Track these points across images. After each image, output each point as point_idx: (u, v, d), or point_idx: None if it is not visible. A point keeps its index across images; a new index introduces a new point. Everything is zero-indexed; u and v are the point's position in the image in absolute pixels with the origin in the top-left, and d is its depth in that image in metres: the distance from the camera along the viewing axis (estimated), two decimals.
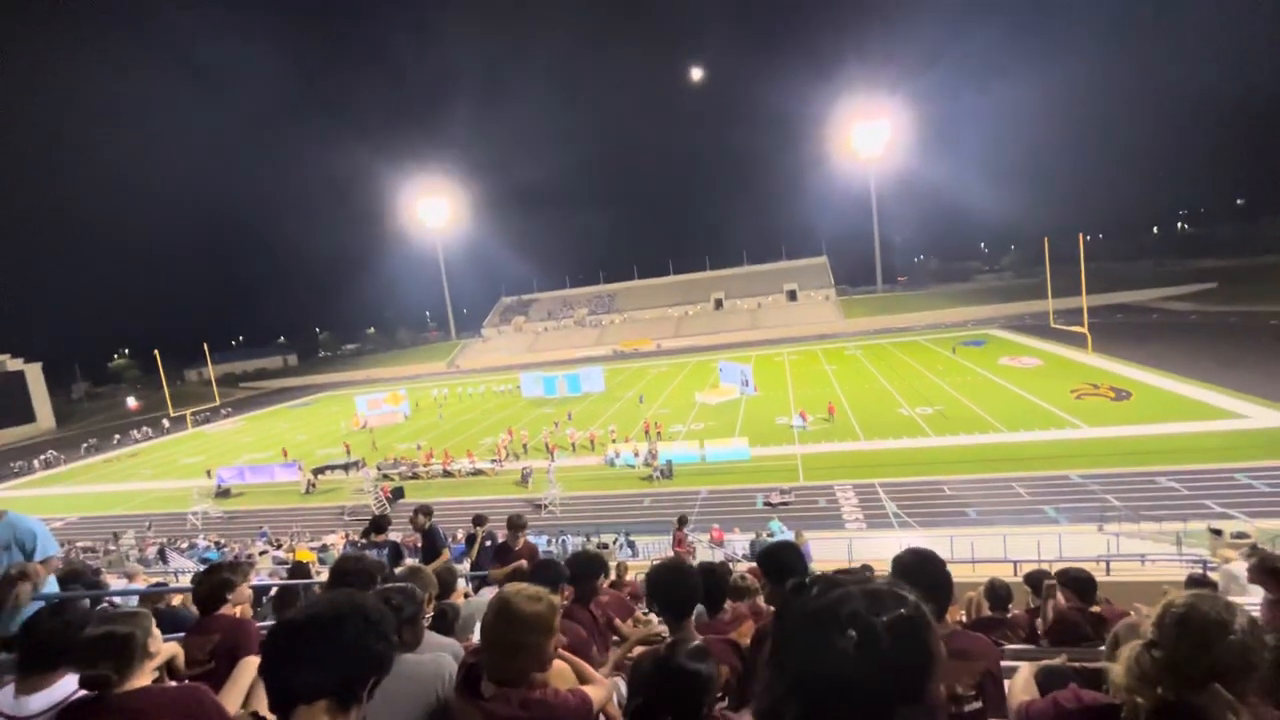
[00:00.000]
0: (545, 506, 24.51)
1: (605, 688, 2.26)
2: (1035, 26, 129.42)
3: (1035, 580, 5.22)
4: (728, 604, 3.21)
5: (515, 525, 6.20)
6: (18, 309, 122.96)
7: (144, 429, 59.94)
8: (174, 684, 2.36)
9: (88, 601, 4.34)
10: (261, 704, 2.46)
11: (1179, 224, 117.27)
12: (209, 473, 34.62)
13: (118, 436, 57.89)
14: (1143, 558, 13.01)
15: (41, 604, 3.05)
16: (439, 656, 2.25)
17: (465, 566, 7.78)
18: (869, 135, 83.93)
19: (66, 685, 2.23)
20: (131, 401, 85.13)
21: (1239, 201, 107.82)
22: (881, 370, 44.53)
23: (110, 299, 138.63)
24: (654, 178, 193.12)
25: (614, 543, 19.05)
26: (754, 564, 4.75)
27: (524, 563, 5.65)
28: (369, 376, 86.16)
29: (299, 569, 7.35)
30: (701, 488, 24.88)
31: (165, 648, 2.47)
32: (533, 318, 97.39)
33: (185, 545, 23.20)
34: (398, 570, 5.82)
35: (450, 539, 12.03)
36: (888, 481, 22.85)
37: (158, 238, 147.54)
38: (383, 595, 2.46)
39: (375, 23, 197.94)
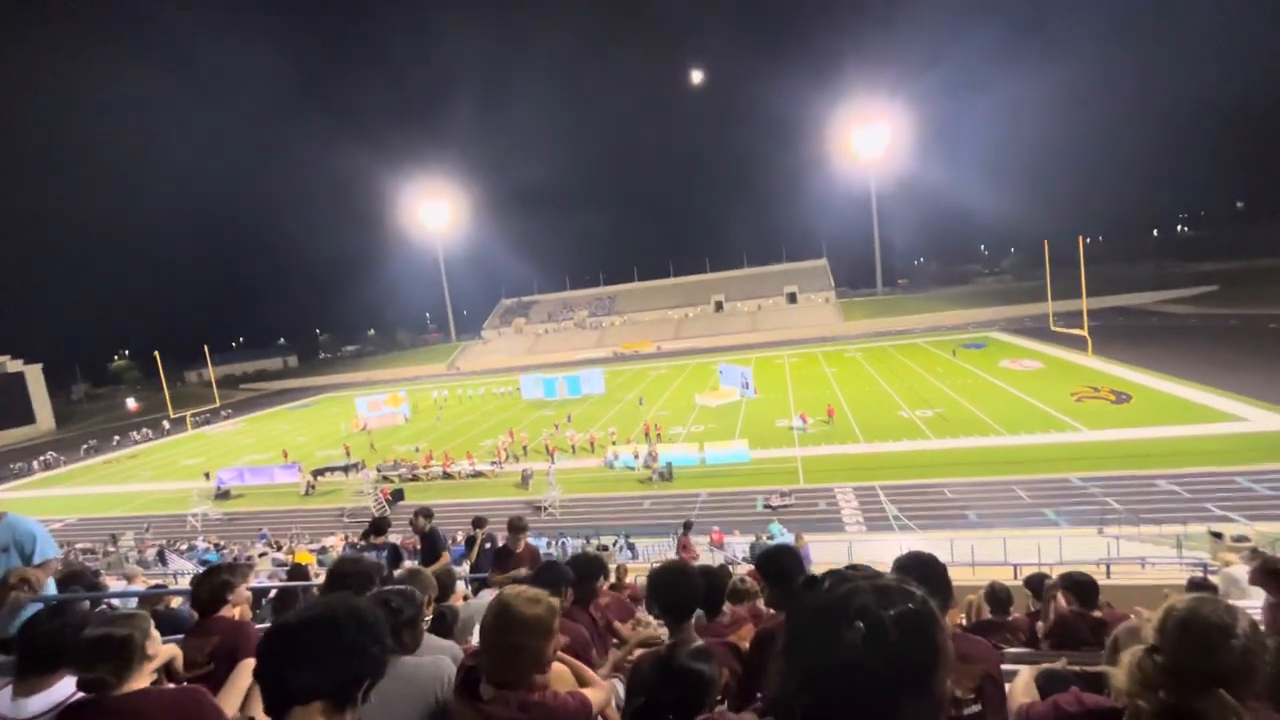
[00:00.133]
0: (545, 509, 24.49)
1: (605, 690, 2.26)
2: (1035, 29, 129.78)
3: (1036, 583, 5.21)
4: (727, 607, 3.21)
5: (516, 528, 6.17)
6: (18, 310, 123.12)
7: (144, 430, 59.92)
8: (172, 686, 2.36)
9: (87, 603, 4.33)
10: (260, 707, 2.46)
11: (1179, 227, 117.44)
12: (207, 475, 34.60)
13: (117, 438, 57.87)
14: (1143, 561, 13.00)
15: (40, 606, 3.04)
16: (438, 659, 2.24)
17: (465, 569, 7.76)
18: (869, 138, 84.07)
19: (65, 687, 2.22)
20: (131, 403, 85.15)
21: (1239, 204, 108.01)
22: (882, 373, 44.53)
23: (111, 300, 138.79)
24: (654, 180, 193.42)
25: (614, 545, 19.02)
26: (754, 567, 4.74)
27: (523, 570, 5.64)
28: (369, 378, 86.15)
29: (298, 571, 7.34)
30: (701, 490, 24.86)
31: (164, 650, 2.46)
32: (533, 320, 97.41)
33: (185, 547, 23.18)
34: (397, 573, 5.82)
35: (450, 541, 12.02)
36: (888, 484, 22.83)
37: (158, 239, 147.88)
38: (382, 598, 2.45)
39: (376, 24, 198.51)
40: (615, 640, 3.63)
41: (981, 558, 13.96)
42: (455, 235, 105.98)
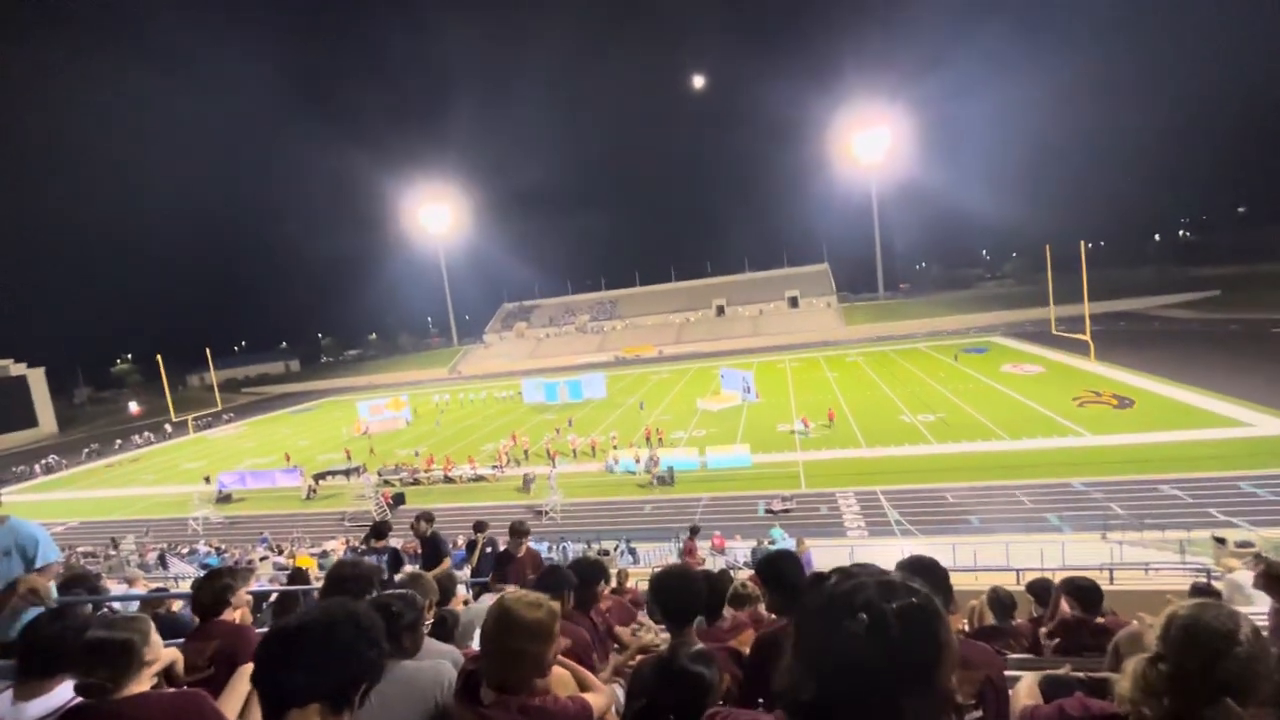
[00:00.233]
0: (546, 513, 24.46)
1: (606, 694, 2.25)
2: (1036, 34, 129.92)
3: (1039, 589, 5.19)
4: (728, 612, 3.20)
5: (517, 532, 6.17)
6: (21, 313, 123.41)
7: (145, 434, 59.99)
8: (172, 690, 2.36)
9: (89, 607, 4.33)
10: (259, 713, 2.45)
11: (1181, 231, 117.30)
12: (207, 479, 34.60)
13: (119, 441, 57.95)
14: (1146, 566, 12.94)
15: (41, 609, 3.04)
16: (438, 664, 2.24)
17: (466, 573, 7.75)
18: (870, 142, 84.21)
19: (65, 691, 2.22)
20: (134, 406, 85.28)
21: (1240, 209, 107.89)
22: (883, 377, 44.49)
23: (113, 304, 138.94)
24: (656, 184, 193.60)
25: (615, 549, 18.98)
26: (754, 572, 4.73)
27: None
28: (371, 382, 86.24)
29: (298, 575, 7.33)
30: (703, 494, 24.82)
31: (165, 654, 2.46)
32: (535, 324, 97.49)
33: (186, 551, 23.17)
34: (398, 577, 5.81)
35: (451, 545, 12.00)
36: (890, 489, 22.79)
37: (160, 242, 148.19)
38: (382, 602, 2.45)
39: (378, 28, 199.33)
40: (616, 645, 3.62)
41: (984, 563, 13.92)
42: (457, 239, 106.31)
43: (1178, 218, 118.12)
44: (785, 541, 16.79)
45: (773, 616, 3.23)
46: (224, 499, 32.43)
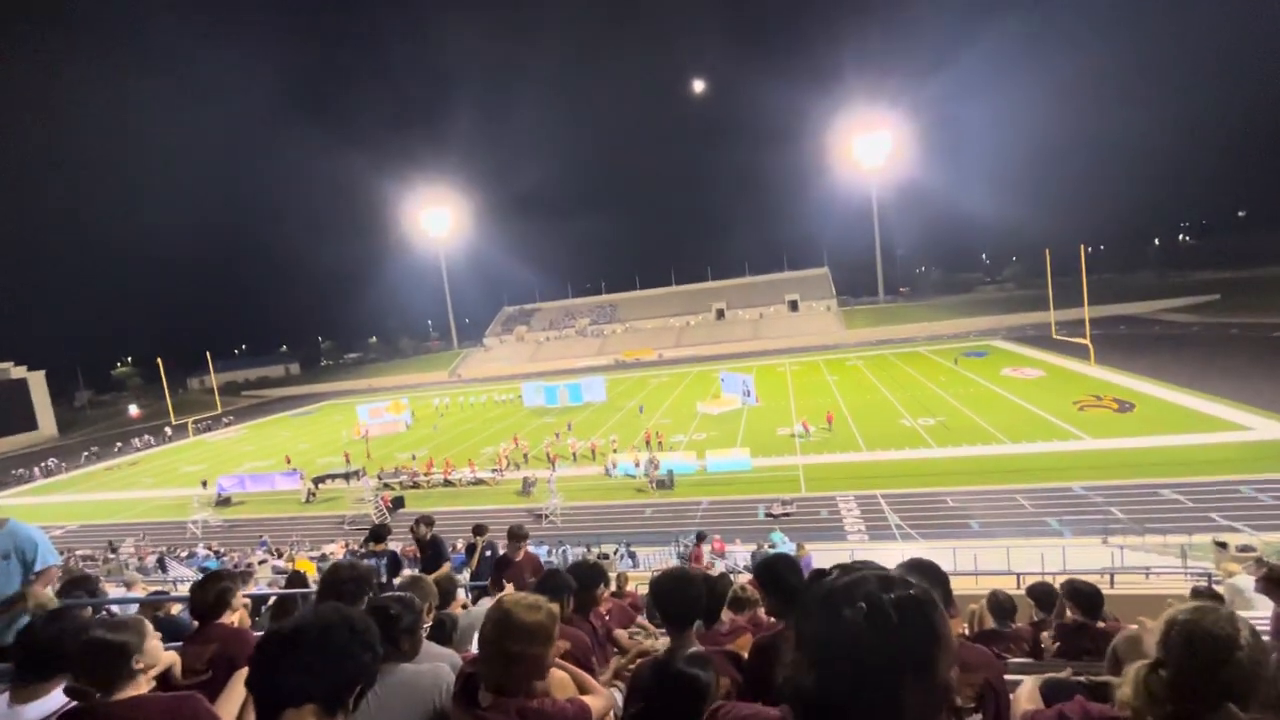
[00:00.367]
0: (546, 516, 24.43)
1: (604, 697, 2.25)
2: (1036, 38, 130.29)
3: (1039, 593, 5.18)
4: (726, 615, 3.19)
5: (516, 536, 6.17)
6: (21, 317, 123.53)
7: (145, 437, 59.96)
8: (168, 693, 2.35)
9: (90, 610, 4.32)
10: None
11: (1181, 235, 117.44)
12: (204, 484, 34.52)
13: (119, 444, 57.90)
14: (1147, 571, 12.91)
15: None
16: (437, 667, 2.23)
17: (465, 576, 7.74)
18: (870, 146, 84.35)
19: (61, 695, 2.21)
20: (134, 409, 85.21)
21: (1240, 213, 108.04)
22: (883, 381, 44.49)
23: (114, 307, 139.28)
24: (656, 188, 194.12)
25: (615, 553, 18.96)
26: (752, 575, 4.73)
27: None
28: (371, 385, 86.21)
29: (296, 579, 7.31)
30: (703, 498, 24.79)
31: (163, 657, 2.45)
32: (535, 327, 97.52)
33: (185, 554, 23.14)
34: (397, 580, 5.79)
35: (451, 548, 11.98)
36: (890, 492, 22.76)
37: (161, 246, 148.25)
38: (381, 604, 2.44)
39: (379, 32, 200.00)
40: (615, 648, 3.61)
41: (984, 567, 13.89)
42: (458, 242, 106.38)
43: (1178, 221, 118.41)
44: (785, 545, 16.76)
45: (772, 620, 3.23)
46: (223, 502, 32.40)
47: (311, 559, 19.56)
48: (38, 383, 75.23)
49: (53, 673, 2.24)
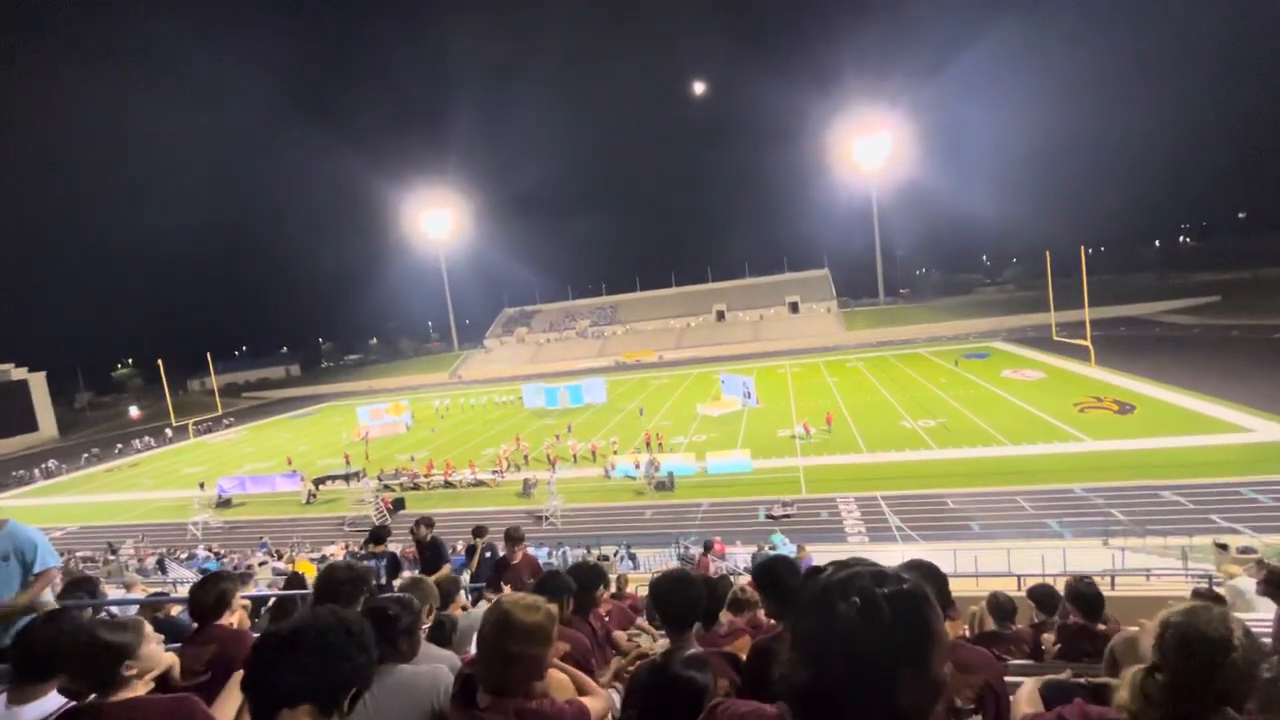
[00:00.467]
0: (546, 518, 24.42)
1: (603, 699, 2.25)
2: (1036, 40, 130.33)
3: (1040, 594, 5.17)
4: (725, 617, 3.19)
5: (513, 538, 6.17)
6: (22, 318, 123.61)
7: (146, 438, 59.98)
8: (164, 695, 2.35)
9: (90, 610, 4.32)
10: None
11: (1181, 237, 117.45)
12: (202, 485, 34.46)
13: (119, 446, 57.90)
14: (1148, 572, 12.90)
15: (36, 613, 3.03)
16: (435, 668, 2.23)
17: (465, 578, 7.73)
18: (870, 147, 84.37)
19: (59, 696, 2.21)
20: (134, 411, 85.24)
21: (1241, 215, 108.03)
22: (884, 382, 44.48)
23: (114, 308, 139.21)
24: (656, 189, 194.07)
25: (615, 555, 18.95)
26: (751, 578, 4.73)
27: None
28: (371, 387, 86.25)
29: (295, 580, 7.31)
30: (703, 500, 24.78)
31: (163, 658, 2.45)
32: (535, 329, 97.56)
33: (185, 555, 23.14)
34: (397, 582, 5.80)
35: (451, 550, 11.98)
36: (890, 494, 22.75)
37: (161, 247, 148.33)
38: (379, 605, 2.44)
39: (379, 33, 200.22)
40: (614, 650, 3.61)
41: (985, 568, 13.88)
42: (458, 244, 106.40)
43: (1178, 223, 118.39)
44: (786, 547, 16.76)
45: (771, 622, 3.22)
46: (223, 504, 32.40)
47: (312, 560, 19.57)
48: (38, 384, 75.29)
49: (50, 674, 2.23)
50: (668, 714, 1.76)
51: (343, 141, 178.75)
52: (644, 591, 6.48)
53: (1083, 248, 40.70)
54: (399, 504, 28.13)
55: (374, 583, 3.17)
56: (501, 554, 6.46)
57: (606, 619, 4.09)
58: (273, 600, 6.75)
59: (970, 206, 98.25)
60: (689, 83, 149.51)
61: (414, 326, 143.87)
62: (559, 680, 2.17)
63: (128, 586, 8.94)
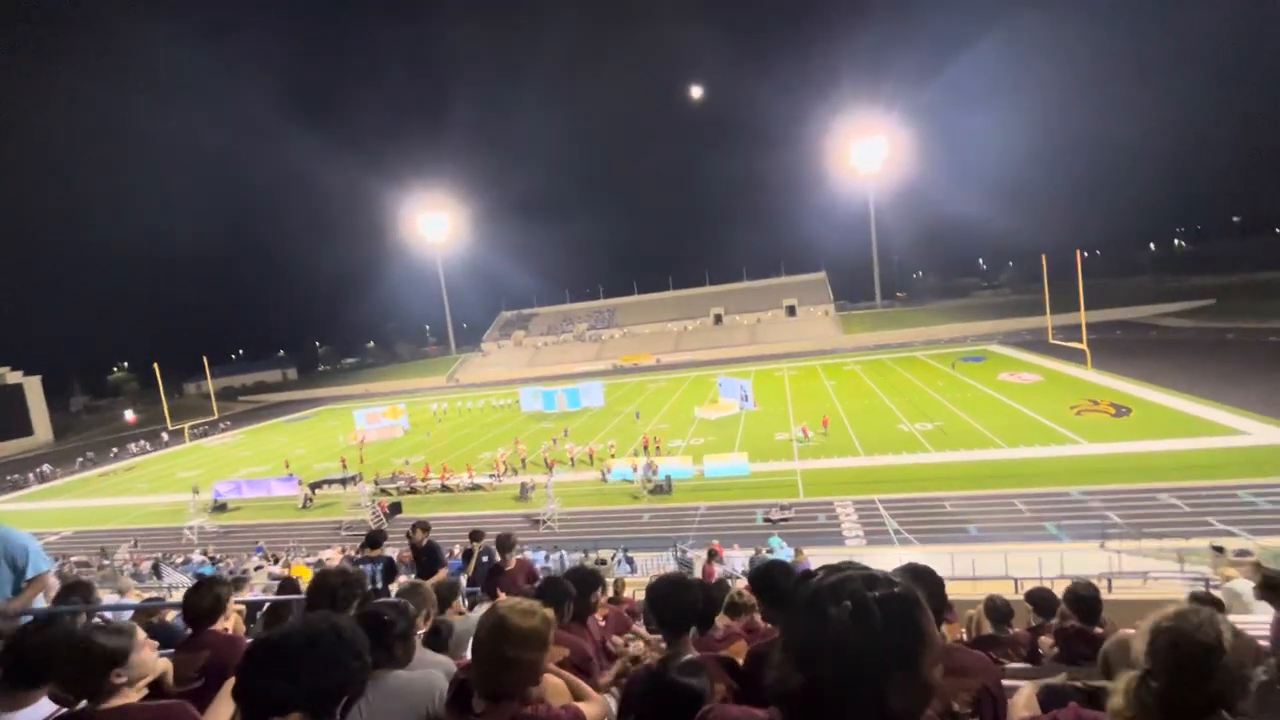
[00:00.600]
0: (543, 521, 24.36)
1: (599, 704, 2.23)
2: (1032, 46, 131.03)
3: (1037, 598, 5.17)
4: (721, 621, 3.18)
5: (504, 546, 6.17)
6: (17, 321, 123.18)
7: (141, 442, 59.75)
8: (156, 702, 2.33)
9: (84, 616, 4.29)
10: None
11: (1176, 241, 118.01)
12: (195, 490, 34.29)
13: (115, 450, 57.68)
14: (1145, 575, 12.92)
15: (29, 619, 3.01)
16: (430, 673, 2.22)
17: (462, 582, 7.70)
18: (867, 152, 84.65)
19: (50, 703, 2.19)
20: (129, 415, 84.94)
21: (1235, 218, 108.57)
22: (881, 386, 44.52)
23: (110, 312, 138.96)
24: (654, 193, 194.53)
25: (612, 558, 18.90)
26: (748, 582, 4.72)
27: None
28: (368, 390, 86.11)
29: (288, 585, 7.27)
30: (701, 503, 24.75)
31: (157, 664, 2.43)
32: (532, 332, 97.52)
33: (180, 560, 23.03)
34: (394, 587, 5.76)
35: (448, 554, 11.93)
36: (888, 497, 22.75)
37: (158, 250, 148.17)
38: (374, 610, 2.43)
39: (377, 37, 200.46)
40: (608, 656, 3.59)
41: (982, 571, 13.89)
42: (455, 248, 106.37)
43: (1173, 227, 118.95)
44: (783, 551, 16.73)
45: (768, 626, 3.21)
46: (219, 508, 32.26)
47: (308, 565, 19.47)
48: (33, 387, 75.00)
49: (41, 680, 2.21)
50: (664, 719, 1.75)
51: (341, 145, 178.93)
52: (642, 596, 6.46)
53: (1078, 251, 40.87)
54: (395, 508, 28.04)
55: (369, 587, 3.14)
56: (497, 560, 6.44)
57: (603, 623, 4.07)
58: (267, 605, 6.71)
59: (967, 210, 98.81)
60: (686, 86, 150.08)
61: (411, 330, 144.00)
62: (555, 685, 2.15)
63: (121, 591, 8.89)
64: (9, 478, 49.27)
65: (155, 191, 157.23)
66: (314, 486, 31.95)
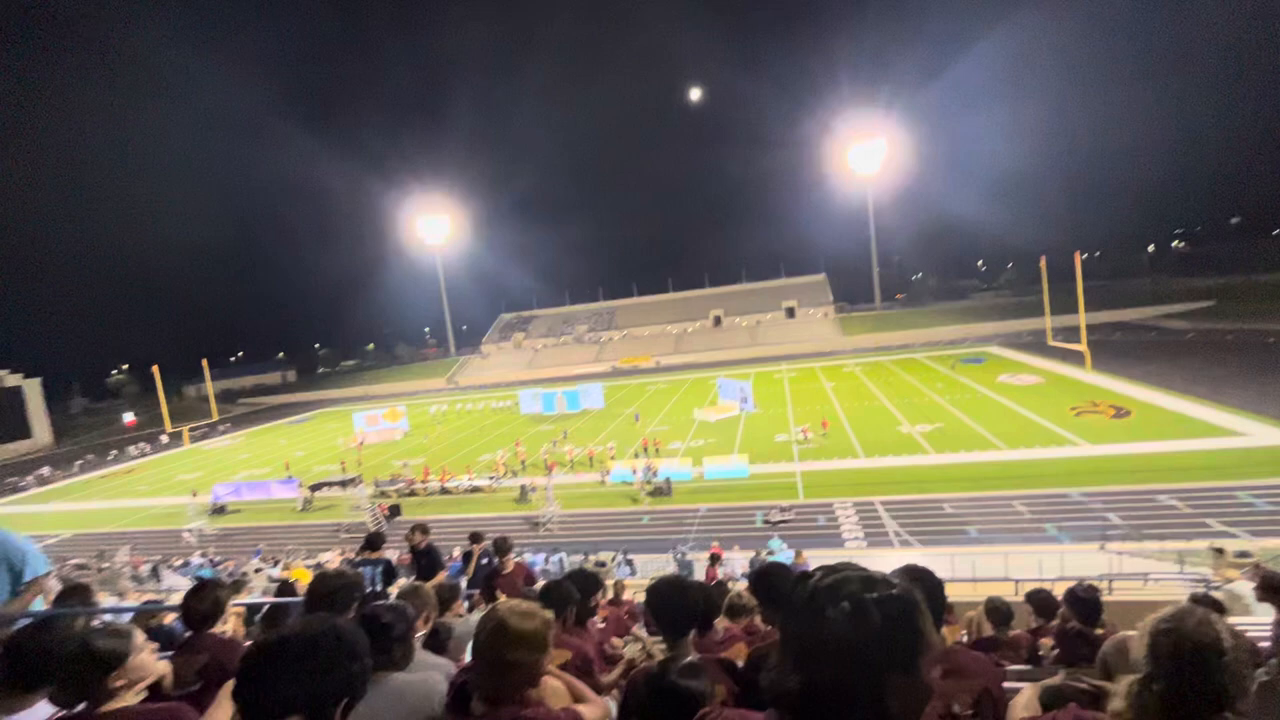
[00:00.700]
0: (543, 524, 24.33)
1: (599, 706, 2.23)
2: (1032, 48, 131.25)
3: (1037, 599, 5.17)
4: (721, 624, 3.17)
5: (501, 550, 6.16)
6: (16, 323, 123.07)
7: (141, 445, 59.69)
8: (154, 705, 2.32)
9: (82, 619, 4.27)
10: None
11: (1175, 242, 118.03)
12: (194, 494, 34.22)
13: (114, 452, 57.62)
14: (1145, 577, 12.90)
15: (27, 621, 3.00)
16: (429, 676, 2.21)
17: (461, 585, 7.69)
18: (866, 153, 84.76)
19: (48, 705, 2.18)
20: (129, 417, 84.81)
21: (1234, 220, 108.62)
22: (881, 387, 44.52)
23: (109, 314, 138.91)
24: (654, 195, 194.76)
25: (612, 561, 18.88)
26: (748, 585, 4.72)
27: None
28: (368, 393, 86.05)
29: (285, 588, 7.26)
30: (701, 505, 24.73)
31: (155, 667, 2.42)
32: (532, 334, 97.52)
33: (179, 563, 22.99)
34: (392, 590, 5.75)
35: (448, 557, 11.90)
36: (888, 499, 22.73)
37: (157, 253, 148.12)
38: (373, 613, 2.42)
39: (376, 39, 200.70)
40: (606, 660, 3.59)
41: (983, 573, 13.87)
42: (455, 249, 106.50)
43: (1172, 228, 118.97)
44: (783, 553, 16.71)
45: (768, 629, 3.21)
46: (219, 510, 32.21)
47: (307, 567, 19.44)
48: (33, 390, 74.90)
49: (39, 683, 2.20)
50: None
51: (341, 147, 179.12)
52: (642, 598, 6.46)
53: (1077, 253, 40.82)
54: (395, 510, 28.01)
55: (368, 589, 3.13)
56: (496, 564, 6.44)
57: (602, 625, 4.07)
58: (265, 608, 6.70)
59: (966, 212, 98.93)
60: (686, 88, 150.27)
61: (411, 332, 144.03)
62: (554, 687, 2.15)
63: (120, 594, 8.87)
64: (8, 480, 49.20)
65: (155, 194, 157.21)
66: (313, 489, 31.91)
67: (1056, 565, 14.17)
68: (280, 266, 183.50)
